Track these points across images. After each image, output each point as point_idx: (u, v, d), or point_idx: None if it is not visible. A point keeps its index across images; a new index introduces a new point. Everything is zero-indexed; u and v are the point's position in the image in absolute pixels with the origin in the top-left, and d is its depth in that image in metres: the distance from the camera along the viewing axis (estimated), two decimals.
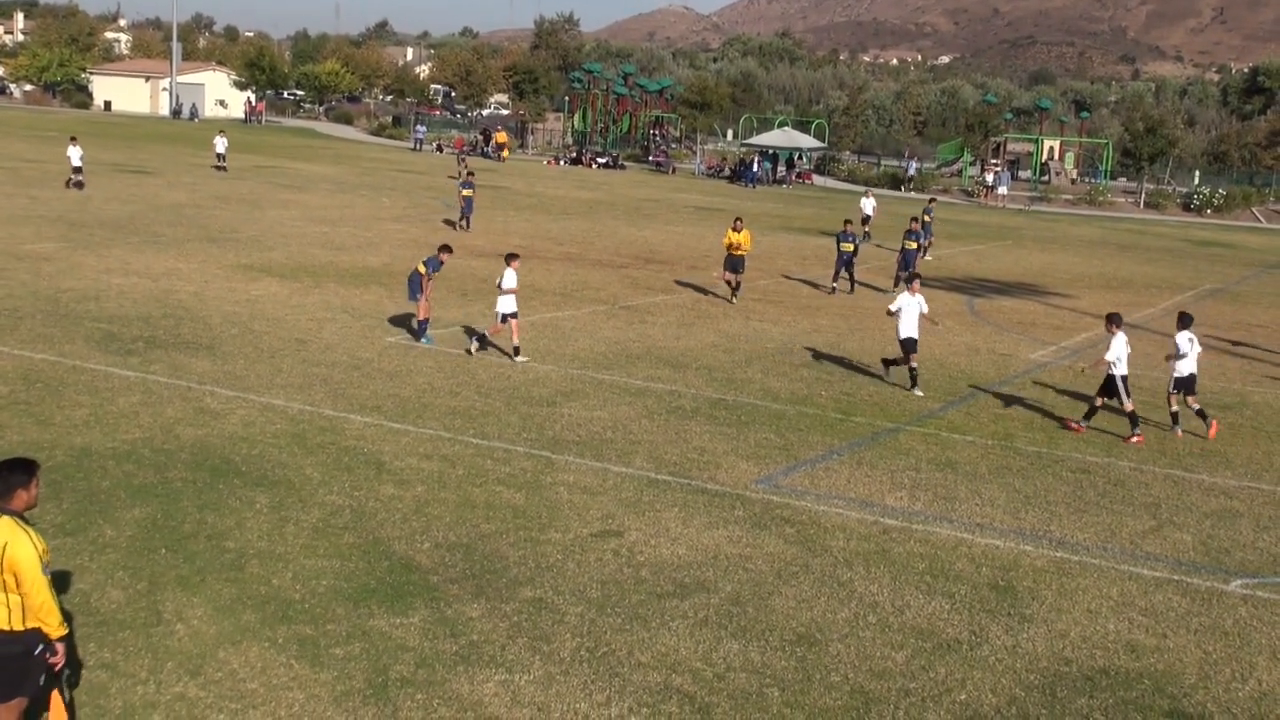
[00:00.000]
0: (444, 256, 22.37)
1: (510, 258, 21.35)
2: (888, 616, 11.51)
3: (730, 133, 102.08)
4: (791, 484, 15.41)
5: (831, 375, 21.92)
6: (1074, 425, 19.27)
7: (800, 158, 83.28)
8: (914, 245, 33.54)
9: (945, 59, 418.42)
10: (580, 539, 12.87)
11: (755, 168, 76.20)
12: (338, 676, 9.56)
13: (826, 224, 49.63)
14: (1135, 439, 18.71)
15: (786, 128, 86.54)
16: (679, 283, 32.00)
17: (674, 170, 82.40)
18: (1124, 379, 18.83)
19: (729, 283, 29.72)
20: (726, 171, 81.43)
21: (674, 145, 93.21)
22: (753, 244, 30.02)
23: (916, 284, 21.47)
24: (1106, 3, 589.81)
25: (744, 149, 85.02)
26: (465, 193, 40.25)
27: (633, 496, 14.38)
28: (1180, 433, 19.40)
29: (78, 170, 43.56)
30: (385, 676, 9.61)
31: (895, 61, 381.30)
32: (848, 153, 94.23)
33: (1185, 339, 19.46)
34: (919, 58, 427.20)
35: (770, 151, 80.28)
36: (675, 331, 24.93)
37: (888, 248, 41.66)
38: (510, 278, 20.89)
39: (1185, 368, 19.46)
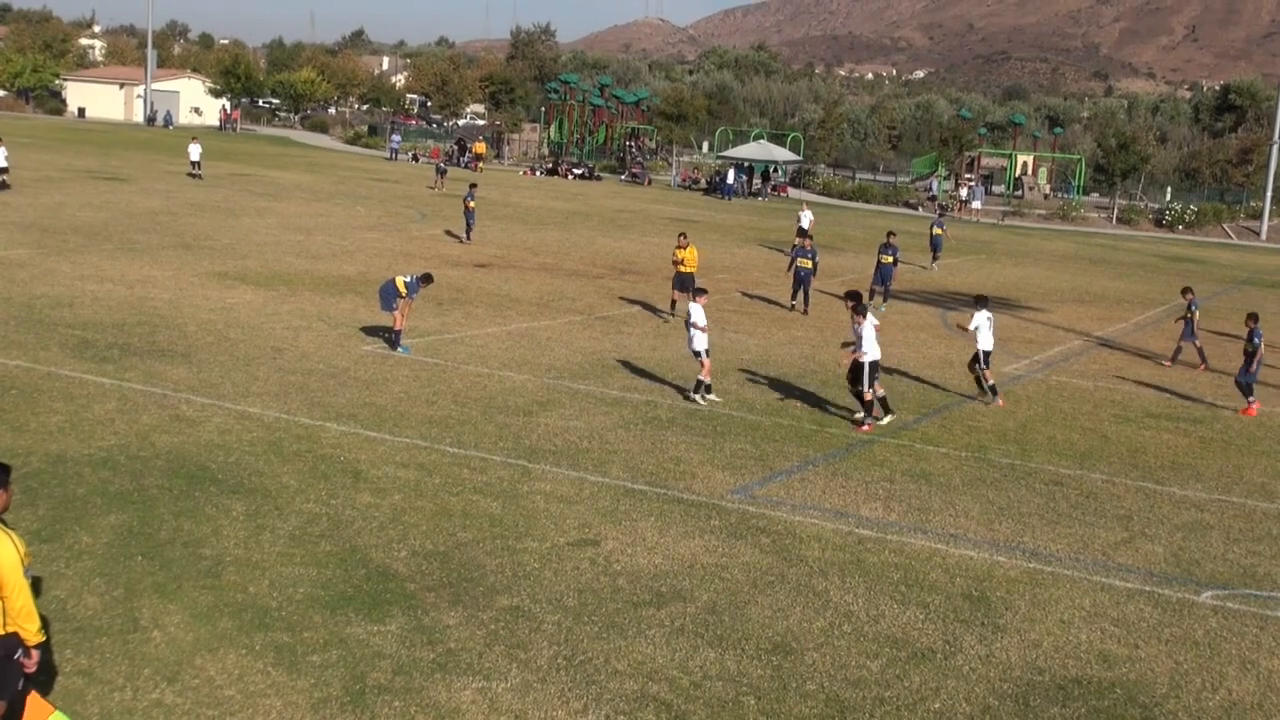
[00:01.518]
0: (424, 286, 22.37)
1: (698, 293, 20.62)
2: (863, 626, 11.58)
3: (706, 145, 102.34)
4: (767, 494, 15.48)
5: (806, 386, 22.01)
6: (865, 425, 19.32)
7: (776, 170, 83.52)
8: (890, 260, 33.62)
9: (920, 74, 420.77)
10: (557, 548, 12.90)
11: (730, 180, 76.41)
12: (315, 684, 9.56)
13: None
14: (865, 427, 19.14)
15: (762, 140, 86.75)
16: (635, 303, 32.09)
17: (649, 182, 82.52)
18: (874, 365, 19.23)
19: (674, 300, 28.39)
20: (702, 183, 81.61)
21: (650, 157, 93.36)
22: (697, 262, 28.66)
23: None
24: (1080, 20, 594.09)
25: (719, 161, 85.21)
26: (470, 204, 40.20)
27: (609, 506, 14.42)
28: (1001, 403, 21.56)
29: (3, 170, 43.75)
30: (363, 684, 9.63)
31: (870, 76, 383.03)
32: (823, 166, 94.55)
33: (984, 317, 21.49)
34: (894, 72, 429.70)
35: (745, 164, 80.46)
36: (651, 342, 24.99)
37: (919, 265, 41.81)
38: (698, 313, 20.05)
39: (985, 342, 21.52)
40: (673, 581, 12.26)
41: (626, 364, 22.57)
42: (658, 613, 11.46)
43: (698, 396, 19.92)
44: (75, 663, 9.53)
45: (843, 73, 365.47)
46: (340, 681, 9.62)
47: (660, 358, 23.36)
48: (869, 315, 19.45)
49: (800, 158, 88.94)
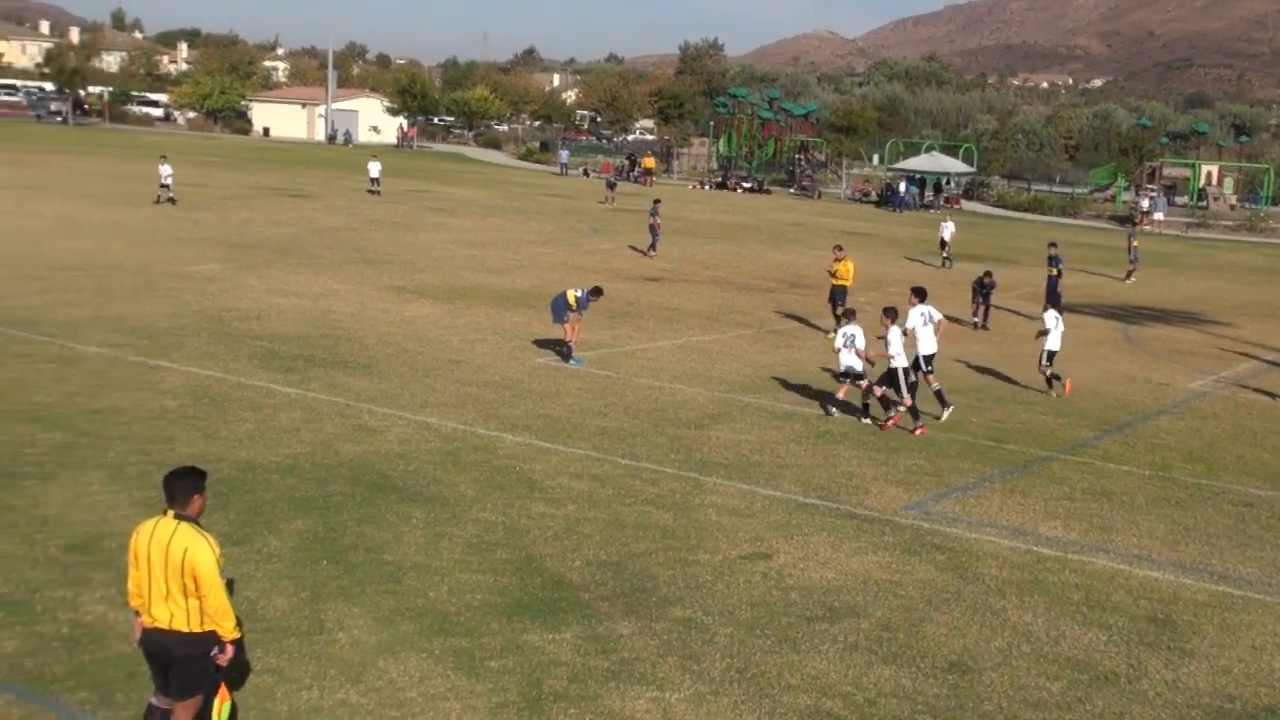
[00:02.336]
0: (594, 299, 22.55)
1: (848, 315, 20.35)
2: (1042, 646, 11.32)
3: (876, 157, 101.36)
4: (942, 510, 15.26)
5: (982, 402, 21.63)
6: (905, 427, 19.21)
7: (948, 182, 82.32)
8: (1055, 272, 32.65)
9: (1097, 82, 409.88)
10: (729, 560, 12.91)
11: (902, 192, 75.53)
12: (493, 688, 9.73)
13: (974, 249, 49.02)
14: (918, 430, 18.98)
15: (934, 152, 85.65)
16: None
17: (820, 195, 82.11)
18: (905, 371, 19.15)
19: (838, 315, 27.32)
20: (873, 196, 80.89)
21: (819, 170, 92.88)
22: (853, 276, 28.27)
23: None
24: (1267, 24, 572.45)
25: (890, 174, 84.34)
26: (654, 220, 40.52)
27: (781, 519, 14.38)
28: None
29: (165, 187, 45.20)
30: (539, 690, 9.76)
31: (1045, 85, 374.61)
32: (997, 177, 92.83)
33: (1051, 317, 22.41)
34: (1070, 81, 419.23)
35: (917, 176, 79.52)
36: (822, 356, 24.81)
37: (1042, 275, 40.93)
38: (895, 336, 19.31)
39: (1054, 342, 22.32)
40: (846, 597, 12.16)
41: (798, 377, 22.47)
42: (831, 628, 11.38)
43: (866, 420, 19.50)
44: (265, 661, 9.86)
45: (1017, 82, 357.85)
46: (517, 687, 9.78)
47: (833, 372, 23.18)
48: (896, 322, 19.34)
49: (973, 169, 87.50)
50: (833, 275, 28.13)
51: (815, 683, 10.26)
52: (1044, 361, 22.60)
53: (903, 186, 76.45)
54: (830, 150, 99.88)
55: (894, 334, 19.25)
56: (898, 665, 10.70)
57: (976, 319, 30.63)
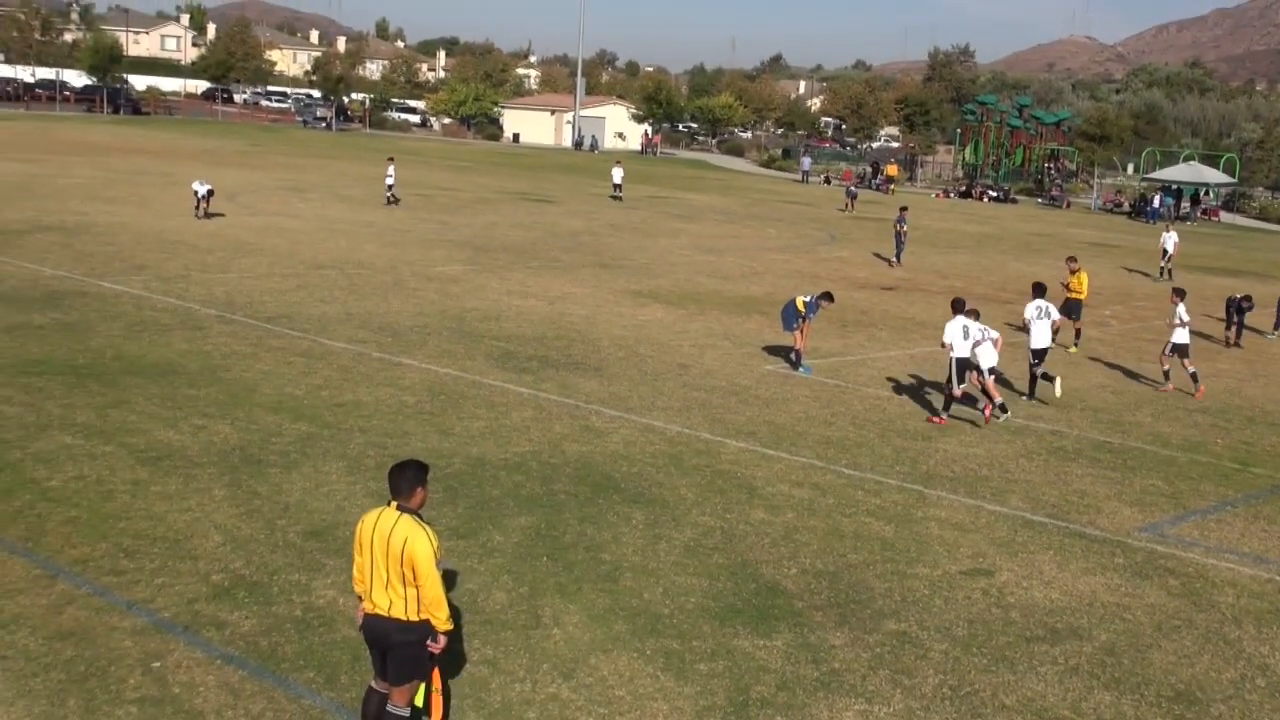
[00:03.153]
0: (824, 304, 22.43)
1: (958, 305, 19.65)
2: (1279, 681, 10.78)
3: (1131, 167, 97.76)
4: (1179, 534, 14.67)
5: (1229, 423, 20.69)
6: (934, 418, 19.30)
7: (1207, 193, 78.80)
8: None
9: None
10: (949, 575, 12.69)
11: (1156, 203, 72.69)
12: (700, 691, 9.81)
13: (1231, 263, 46.85)
14: (939, 419, 19.18)
15: (1193, 162, 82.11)
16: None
17: (1068, 205, 79.73)
18: (960, 363, 19.00)
19: (1077, 330, 27.06)
20: (1125, 207, 78.06)
21: (1069, 179, 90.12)
22: (1087, 288, 27.39)
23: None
24: None
25: (1145, 184, 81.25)
26: (900, 228, 40.30)
27: (1006, 536, 14.06)
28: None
29: (390, 188, 47.05)
30: (746, 696, 9.80)
31: None
32: (1260, 189, 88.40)
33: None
34: None
35: (1174, 186, 76.39)
36: (1060, 370, 24.07)
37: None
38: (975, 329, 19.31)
39: (1180, 336, 22.72)
40: (1069, 618, 11.81)
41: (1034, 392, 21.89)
42: (1051, 649, 11.08)
43: (1005, 416, 19.20)
44: (482, 653, 10.17)
45: None
46: (724, 691, 9.83)
47: (1070, 387, 22.51)
48: (959, 318, 19.15)
49: (1234, 180, 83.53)
50: (1068, 289, 27.28)
51: (1030, 705, 10.01)
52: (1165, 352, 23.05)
53: (1157, 198, 73.54)
54: (1081, 159, 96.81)
55: (951, 326, 19.19)
56: (1120, 691, 10.35)
57: (1229, 334, 29.29)
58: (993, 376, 19.34)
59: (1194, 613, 12.21)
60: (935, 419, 19.28)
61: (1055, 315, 21.59)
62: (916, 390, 21.29)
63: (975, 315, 19.51)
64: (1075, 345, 26.76)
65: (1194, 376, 22.71)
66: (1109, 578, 12.99)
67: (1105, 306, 33.87)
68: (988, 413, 19.26)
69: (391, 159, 49.24)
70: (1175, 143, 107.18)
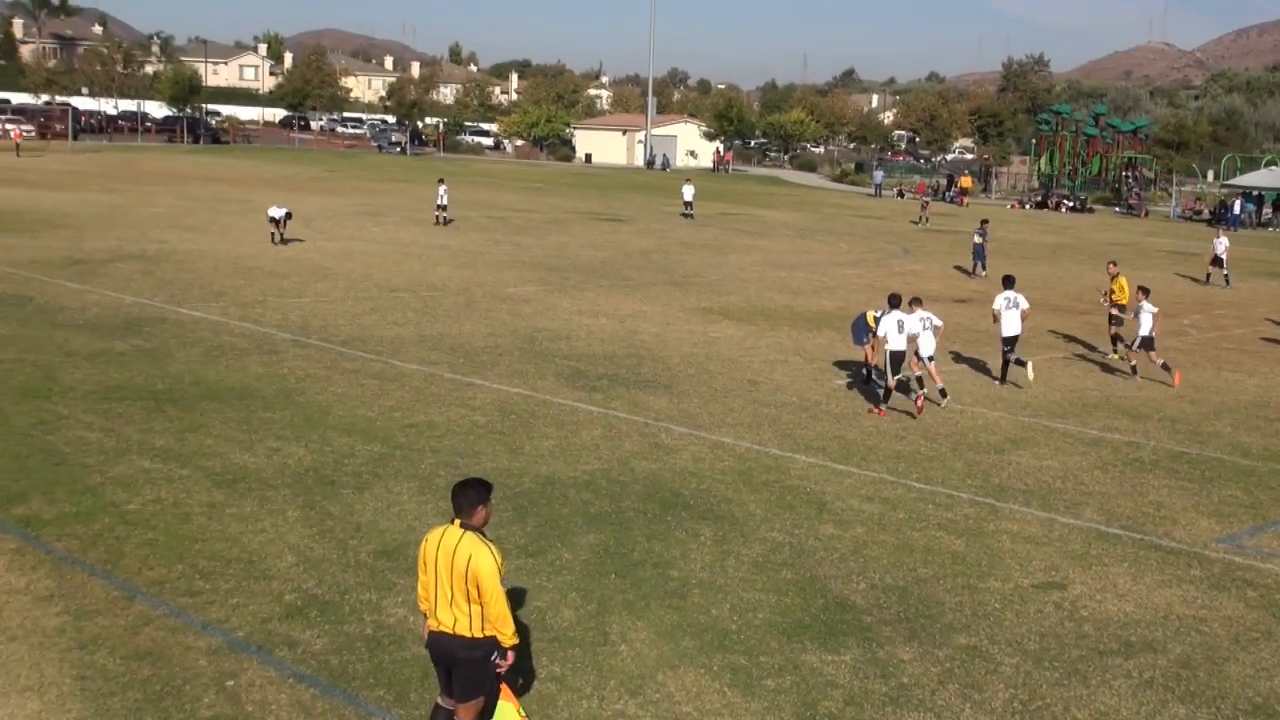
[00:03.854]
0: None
1: (915, 302, 20.81)
2: None
3: (1210, 173, 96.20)
4: (1258, 545, 14.42)
5: None
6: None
7: None
8: None
9: None
10: (1020, 589, 12.58)
11: (1237, 210, 71.47)
12: (768, 707, 9.80)
13: None
14: (878, 410, 19.93)
15: (1274, 167, 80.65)
16: None
17: (1146, 213, 78.67)
18: (895, 355, 19.89)
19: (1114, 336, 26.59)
20: (1205, 214, 76.88)
21: (1147, 187, 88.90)
22: (1128, 293, 26.29)
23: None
24: None
25: (1225, 190, 79.92)
26: (981, 241, 40.41)
27: (1079, 549, 13.90)
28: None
29: (443, 208, 47.69)
30: (814, 711, 9.77)
31: None
32: None
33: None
34: None
35: (1255, 192, 75.09)
36: (1137, 380, 23.82)
37: None
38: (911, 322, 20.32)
39: (1145, 330, 23.20)
40: (1143, 631, 11.66)
41: (1109, 403, 21.65)
42: (1125, 663, 10.94)
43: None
44: (549, 669, 10.24)
45: None
46: (792, 707, 9.81)
47: (1146, 396, 22.24)
48: (894, 312, 20.09)
49: None
50: (1107, 295, 26.88)
51: (1103, 719, 9.89)
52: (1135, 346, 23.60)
53: (1238, 204, 72.32)
54: (1160, 167, 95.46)
55: (907, 319, 20.15)
56: (1195, 705, 10.19)
57: None
58: (933, 363, 20.59)
59: (1273, 625, 12.00)
60: (875, 410, 19.95)
61: (1024, 305, 22.82)
62: (990, 402, 21.11)
63: (918, 303, 20.71)
64: (1115, 353, 26.17)
65: (1165, 367, 23.53)
66: (1185, 590, 12.80)
67: (1184, 316, 33.38)
68: (920, 403, 19.85)
69: (442, 180, 49.83)
70: (1256, 148, 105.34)
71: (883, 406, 20.01)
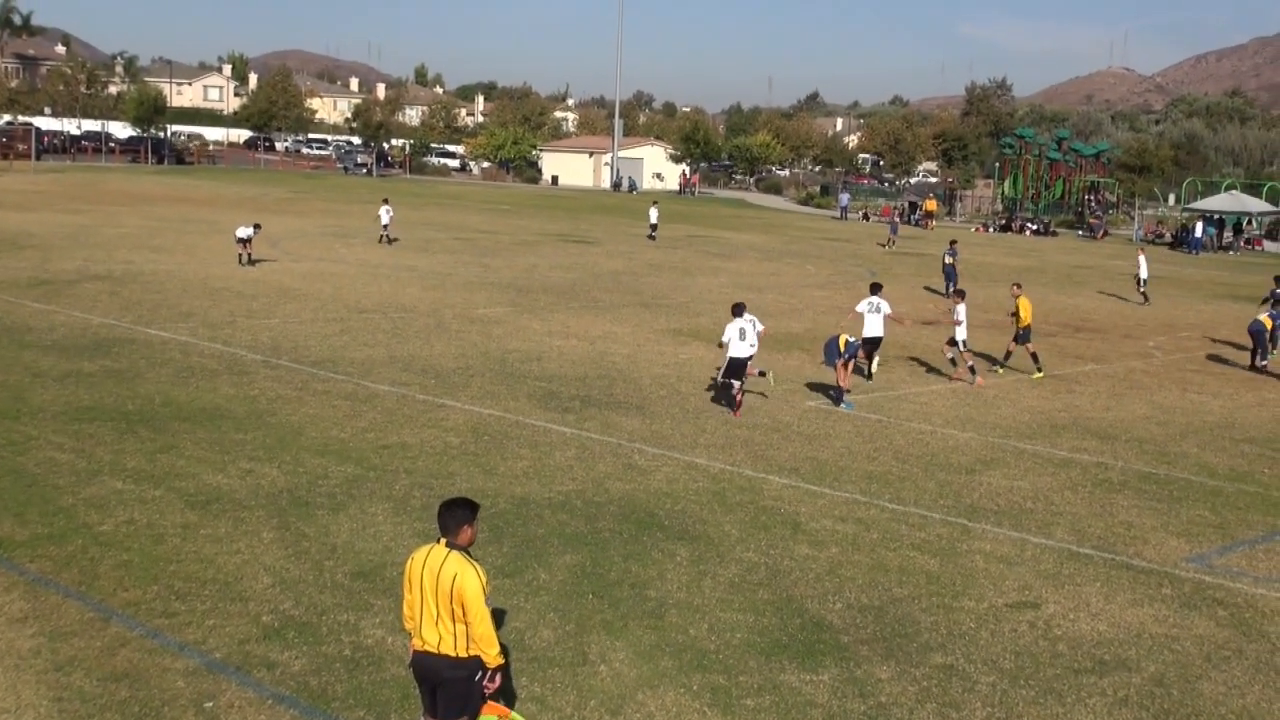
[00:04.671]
0: (864, 351, 22.58)
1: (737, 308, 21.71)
2: None
3: (1172, 197, 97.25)
4: (1226, 564, 14.58)
5: (1277, 452, 20.53)
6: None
7: (1249, 223, 78.33)
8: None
9: None
10: (995, 608, 12.67)
11: (1197, 233, 72.27)
12: None
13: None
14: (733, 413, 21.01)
15: (1234, 191, 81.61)
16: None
17: (1105, 234, 79.45)
18: (734, 361, 20.93)
19: (1009, 351, 27.30)
20: (1167, 237, 77.68)
21: (1109, 211, 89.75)
22: (1030, 314, 27.24)
23: None
24: None
25: (1186, 214, 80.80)
26: (951, 260, 41.15)
27: (1052, 568, 14.01)
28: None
29: (386, 227, 48.71)
30: None
31: None
32: None
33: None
34: None
35: (1215, 216, 75.96)
36: (1105, 402, 24.05)
37: None
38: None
39: (959, 333, 25.01)
40: (1117, 650, 11.77)
41: (1078, 424, 21.83)
42: (1099, 681, 11.03)
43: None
44: (529, 690, 10.24)
45: None
46: None
47: (1114, 418, 22.44)
48: (737, 320, 21.16)
49: (1277, 209, 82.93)
50: (1015, 317, 27.37)
51: None
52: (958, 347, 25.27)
53: (1199, 227, 73.14)
54: (1122, 191, 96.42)
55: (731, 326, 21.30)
56: None
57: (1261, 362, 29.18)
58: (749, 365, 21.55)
59: (1244, 643, 12.14)
60: (732, 413, 20.95)
61: (886, 309, 24.35)
62: (960, 423, 21.26)
63: (739, 311, 21.51)
64: (1039, 371, 26.66)
65: (972, 369, 25.18)
66: (1157, 609, 12.93)
67: (1149, 338, 33.71)
68: (740, 400, 21.04)
69: (386, 200, 50.74)
70: (1216, 172, 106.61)
71: (737, 408, 21.00)
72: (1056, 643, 11.87)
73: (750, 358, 21.15)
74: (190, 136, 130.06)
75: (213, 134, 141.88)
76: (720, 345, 21.44)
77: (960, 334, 25.05)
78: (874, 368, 25.11)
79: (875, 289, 24.92)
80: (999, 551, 14.49)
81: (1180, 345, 32.99)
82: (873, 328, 24.28)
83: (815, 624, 11.98)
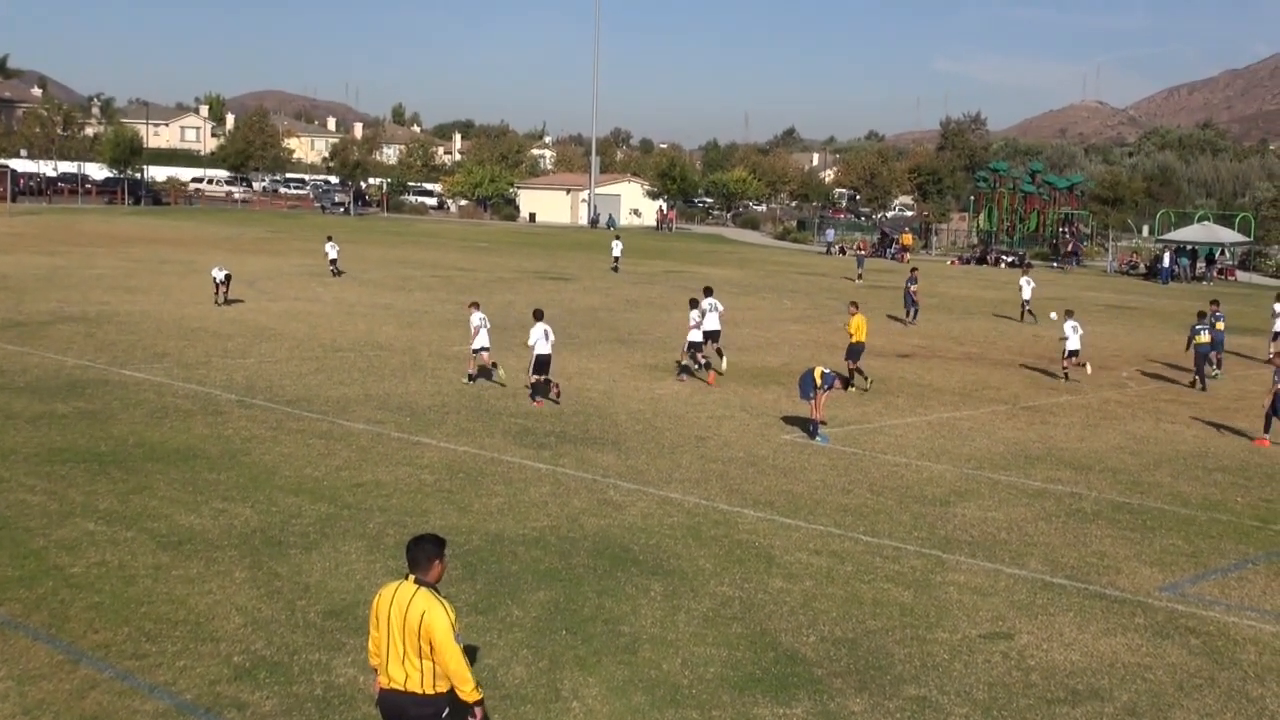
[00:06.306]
0: (838, 384, 22.59)
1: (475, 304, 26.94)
2: None
3: (1146, 229, 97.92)
4: (1199, 593, 14.63)
5: (1249, 480, 20.65)
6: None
7: (1222, 253, 78.89)
8: (1205, 339, 30.55)
9: None
10: (969, 640, 12.69)
11: (1167, 263, 72.77)
12: None
13: (1249, 321, 46.80)
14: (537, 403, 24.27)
15: (1206, 222, 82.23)
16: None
17: (1077, 263, 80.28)
18: (540, 358, 24.38)
19: (851, 372, 27.67)
20: (1141, 268, 78.20)
21: (1084, 242, 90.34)
22: (865, 333, 28.42)
23: None
24: None
25: (1159, 245, 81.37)
26: (911, 289, 42.57)
27: (1026, 599, 14.05)
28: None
29: (334, 262, 50.03)
30: None
31: None
32: (1276, 246, 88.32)
33: (709, 303, 28.98)
34: None
35: (1188, 247, 76.51)
36: (1079, 433, 24.15)
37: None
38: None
39: (695, 336, 28.41)
40: (1090, 679, 11.79)
41: (1051, 454, 21.92)
42: (1073, 710, 11.05)
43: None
44: None
45: None
46: None
47: (1088, 449, 22.54)
48: (540, 324, 24.68)
49: (1250, 239, 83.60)
50: (849, 332, 28.72)
51: None
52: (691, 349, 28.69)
53: (1167, 258, 73.65)
54: (1096, 222, 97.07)
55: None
56: None
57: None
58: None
59: (1216, 671, 12.18)
60: (535, 402, 24.04)
61: (721, 308, 29.33)
62: (934, 455, 21.32)
63: (540, 316, 24.90)
64: (867, 385, 27.91)
65: (706, 365, 28.68)
66: (1130, 638, 12.96)
67: (1122, 368, 33.87)
68: (540, 403, 24.08)
69: (330, 237, 52.18)
70: (1189, 204, 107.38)
71: (540, 398, 24.15)
72: (1030, 673, 11.89)
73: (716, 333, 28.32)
74: (184, 181, 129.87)
75: (190, 174, 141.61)
76: (529, 346, 24.48)
77: (695, 336, 28.43)
78: (724, 366, 29.35)
79: (709, 292, 29.65)
80: (973, 583, 14.52)
81: (1154, 370, 33.14)
82: (711, 323, 28.80)
83: (789, 657, 11.98)
